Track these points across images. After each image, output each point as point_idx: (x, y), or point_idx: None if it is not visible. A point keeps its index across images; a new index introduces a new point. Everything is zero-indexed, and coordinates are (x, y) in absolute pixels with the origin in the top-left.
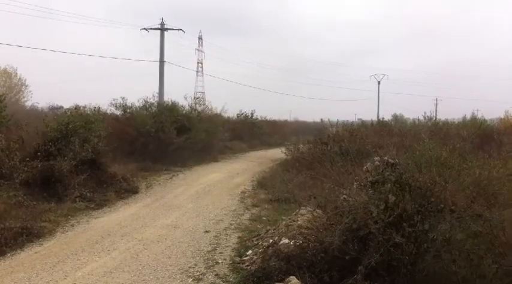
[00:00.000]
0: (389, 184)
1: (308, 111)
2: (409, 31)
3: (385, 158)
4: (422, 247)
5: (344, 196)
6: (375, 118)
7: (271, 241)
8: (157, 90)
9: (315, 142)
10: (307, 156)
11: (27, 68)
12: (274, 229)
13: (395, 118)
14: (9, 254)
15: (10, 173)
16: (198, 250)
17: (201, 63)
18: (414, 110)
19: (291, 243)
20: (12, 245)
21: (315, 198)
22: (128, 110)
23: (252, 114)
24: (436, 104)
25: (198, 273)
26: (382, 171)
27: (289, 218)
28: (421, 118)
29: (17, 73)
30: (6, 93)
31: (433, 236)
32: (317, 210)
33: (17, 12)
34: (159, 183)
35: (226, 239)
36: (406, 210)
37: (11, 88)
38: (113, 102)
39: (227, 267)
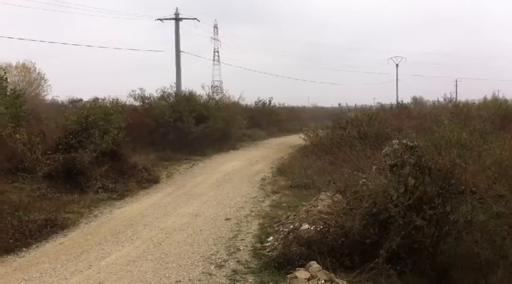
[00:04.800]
0: (408, 167)
1: (326, 97)
2: (427, 13)
3: (404, 141)
4: (443, 229)
5: (363, 180)
6: (394, 101)
7: (291, 226)
8: (174, 80)
9: (334, 128)
10: (326, 141)
11: (46, 62)
12: (294, 215)
13: (415, 100)
14: (34, 246)
15: (33, 166)
16: (220, 237)
17: (218, 52)
18: (434, 92)
19: (312, 228)
20: (37, 237)
21: (334, 183)
22: (147, 101)
23: (269, 101)
24: (456, 85)
25: (220, 260)
26: (401, 154)
27: (309, 204)
28: (441, 100)
29: (35, 68)
30: (25, 88)
31: (455, 218)
32: (337, 195)
33: (33, 6)
34: (180, 172)
35: (247, 226)
36: (427, 192)
37: (31, 82)
38: (132, 93)
39: (249, 253)
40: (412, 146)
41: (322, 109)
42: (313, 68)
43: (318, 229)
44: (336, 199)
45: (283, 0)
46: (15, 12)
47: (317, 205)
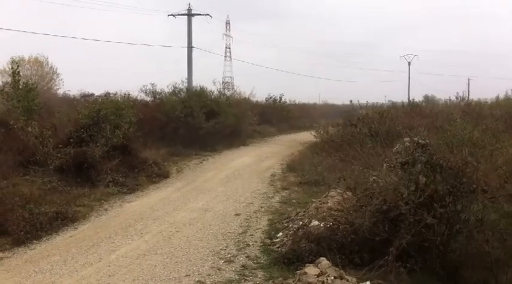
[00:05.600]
0: (419, 165)
1: (337, 94)
2: (440, 11)
3: (416, 139)
4: (454, 228)
5: (374, 177)
6: (405, 99)
7: (301, 223)
8: (186, 75)
9: (344, 125)
10: (337, 138)
11: (58, 56)
12: (304, 212)
13: (427, 99)
14: (45, 238)
15: (44, 159)
16: (229, 232)
17: (229, 48)
18: (446, 91)
19: (321, 225)
20: (47, 230)
21: (344, 179)
22: (158, 96)
23: (280, 97)
24: (469, 84)
25: (229, 255)
26: (412, 152)
27: (319, 201)
28: (453, 98)
29: (48, 62)
30: (38, 82)
31: (465, 217)
32: (347, 192)
33: (45, 0)
34: (190, 167)
35: (257, 221)
36: (438, 190)
37: (43, 76)
38: (143, 88)
39: (258, 249)
40: (424, 144)
41: (333, 106)
42: (325, 65)
43: (328, 225)
44: (346, 196)
45: None
46: (26, 6)
47: (327, 202)
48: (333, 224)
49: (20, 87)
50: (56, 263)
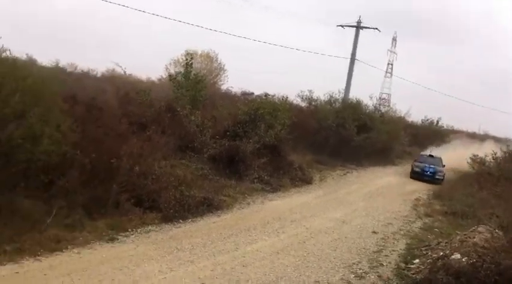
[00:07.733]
0: None
1: (502, 127)
2: None
3: None
4: None
5: None
6: None
7: (441, 253)
8: (343, 86)
9: (505, 158)
10: (495, 171)
11: (223, 54)
12: (446, 242)
13: None
14: (190, 220)
15: (200, 147)
16: (364, 248)
17: (391, 65)
18: None
19: (463, 260)
20: (194, 212)
21: (497, 217)
22: (313, 103)
23: (437, 121)
24: None
25: (360, 271)
26: None
27: (465, 234)
28: None
29: (217, 58)
30: (206, 75)
31: None
32: (497, 230)
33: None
34: (333, 178)
35: (394, 243)
36: None
37: (211, 71)
38: (300, 94)
39: (391, 271)
40: None
41: (493, 138)
42: (493, 95)
43: (471, 261)
44: (495, 235)
45: (477, 18)
46: (195, 7)
47: (473, 237)
48: (476, 260)
49: (191, 78)
50: (197, 244)
